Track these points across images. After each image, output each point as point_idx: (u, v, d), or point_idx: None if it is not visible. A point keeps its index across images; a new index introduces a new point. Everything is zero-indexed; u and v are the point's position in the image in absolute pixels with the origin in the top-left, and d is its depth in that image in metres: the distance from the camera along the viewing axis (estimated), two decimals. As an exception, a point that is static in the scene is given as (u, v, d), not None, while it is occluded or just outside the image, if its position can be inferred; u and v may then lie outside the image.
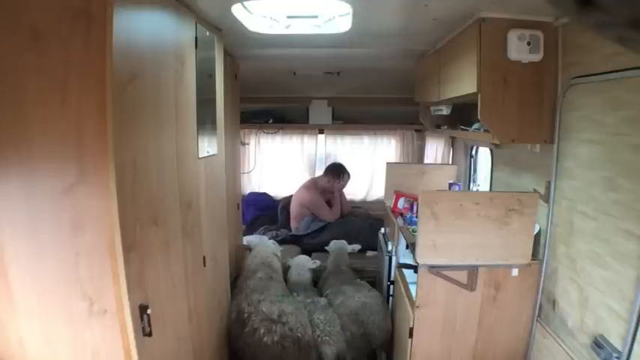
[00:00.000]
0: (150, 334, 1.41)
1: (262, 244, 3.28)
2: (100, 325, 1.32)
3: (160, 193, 1.54)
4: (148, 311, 1.39)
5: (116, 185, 1.20)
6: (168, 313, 1.63)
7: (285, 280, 3.13)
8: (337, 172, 4.26)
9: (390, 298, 2.94)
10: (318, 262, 3.36)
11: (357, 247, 3.57)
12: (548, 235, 1.97)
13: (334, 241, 3.59)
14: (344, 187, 4.36)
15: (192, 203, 1.88)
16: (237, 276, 3.02)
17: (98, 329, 1.32)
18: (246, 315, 2.38)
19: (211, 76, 2.18)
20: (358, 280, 3.06)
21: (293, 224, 4.30)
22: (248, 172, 4.65)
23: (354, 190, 4.69)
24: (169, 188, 1.65)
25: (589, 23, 0.39)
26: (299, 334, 2.30)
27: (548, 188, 1.98)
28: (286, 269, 3.27)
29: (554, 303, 1.93)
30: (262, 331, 2.28)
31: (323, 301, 2.74)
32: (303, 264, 3.33)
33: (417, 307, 2.07)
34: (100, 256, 1.26)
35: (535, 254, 2.02)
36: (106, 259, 1.26)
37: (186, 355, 1.84)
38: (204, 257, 2.06)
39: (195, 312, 1.92)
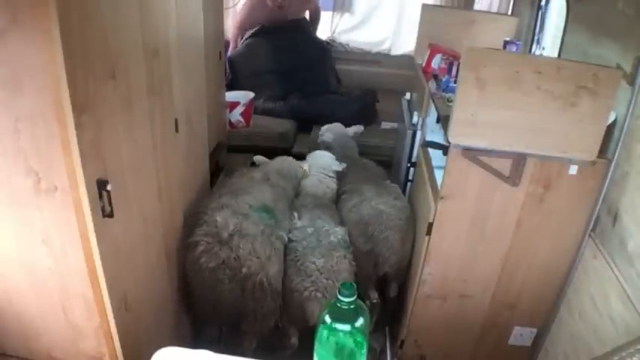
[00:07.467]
0: (111, 215, 1.48)
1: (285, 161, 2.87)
2: (50, 205, 1.38)
3: (117, 37, 1.50)
4: (108, 187, 1.44)
5: (60, 28, 1.17)
6: (133, 189, 1.69)
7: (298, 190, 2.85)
8: None
9: (409, 184, 3.04)
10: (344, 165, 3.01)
11: (360, 128, 3.47)
12: (625, 128, 1.94)
13: (327, 127, 3.42)
14: None
15: (159, 50, 1.84)
16: (217, 145, 3.06)
17: (48, 210, 1.39)
18: (199, 220, 2.20)
19: None
20: (388, 182, 2.87)
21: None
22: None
23: (374, 39, 4.55)
24: (129, 30, 1.60)
25: None
26: (246, 271, 2.09)
27: (636, 66, 1.90)
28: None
29: (615, 217, 1.97)
30: (201, 249, 2.11)
31: (337, 234, 2.37)
32: (325, 165, 2.92)
33: (442, 198, 2.13)
34: (44, 121, 1.27)
35: (603, 151, 2.02)
36: (53, 124, 1.28)
37: (156, 239, 1.96)
38: (176, 120, 2.07)
39: (166, 188, 1.99)
